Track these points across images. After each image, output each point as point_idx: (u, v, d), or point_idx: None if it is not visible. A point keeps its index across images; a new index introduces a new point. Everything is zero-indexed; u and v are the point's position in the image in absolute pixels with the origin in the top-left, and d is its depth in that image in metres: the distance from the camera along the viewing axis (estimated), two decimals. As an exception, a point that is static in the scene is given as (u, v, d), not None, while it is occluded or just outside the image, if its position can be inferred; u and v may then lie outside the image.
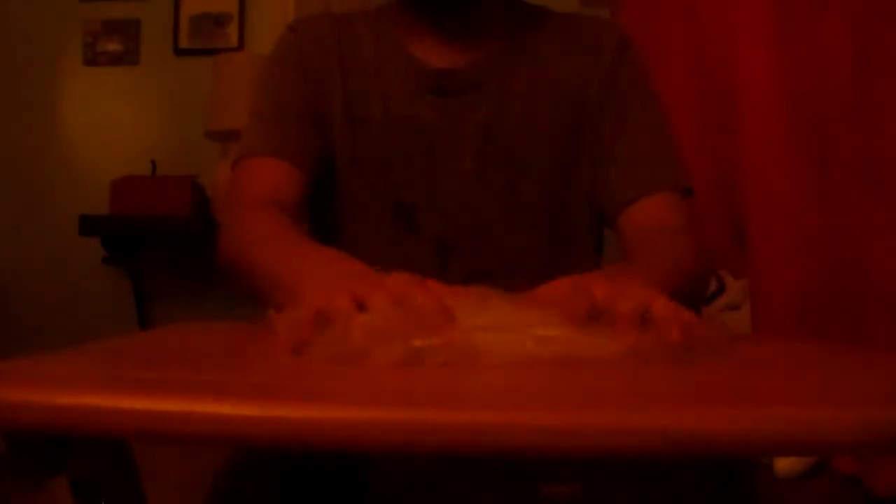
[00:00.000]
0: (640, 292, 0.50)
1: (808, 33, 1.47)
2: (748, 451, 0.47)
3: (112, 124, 2.77)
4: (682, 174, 0.84)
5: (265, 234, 0.72)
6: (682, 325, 0.47)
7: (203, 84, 2.51)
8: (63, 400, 0.32)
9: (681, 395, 0.37)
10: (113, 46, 2.79)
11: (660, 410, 0.32)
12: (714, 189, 1.71)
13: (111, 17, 2.78)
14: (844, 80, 1.41)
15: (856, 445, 0.32)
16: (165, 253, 2.65)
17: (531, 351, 0.43)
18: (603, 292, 0.49)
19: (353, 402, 0.33)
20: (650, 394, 0.37)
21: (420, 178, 0.84)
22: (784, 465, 1.44)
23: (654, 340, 0.45)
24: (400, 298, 0.46)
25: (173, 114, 2.74)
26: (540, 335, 0.44)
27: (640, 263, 0.73)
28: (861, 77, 1.40)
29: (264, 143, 0.82)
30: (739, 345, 0.46)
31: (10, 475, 0.39)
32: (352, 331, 0.44)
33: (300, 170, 0.82)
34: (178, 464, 1.26)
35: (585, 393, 0.37)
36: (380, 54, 0.86)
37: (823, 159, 1.45)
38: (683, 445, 0.30)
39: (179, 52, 2.76)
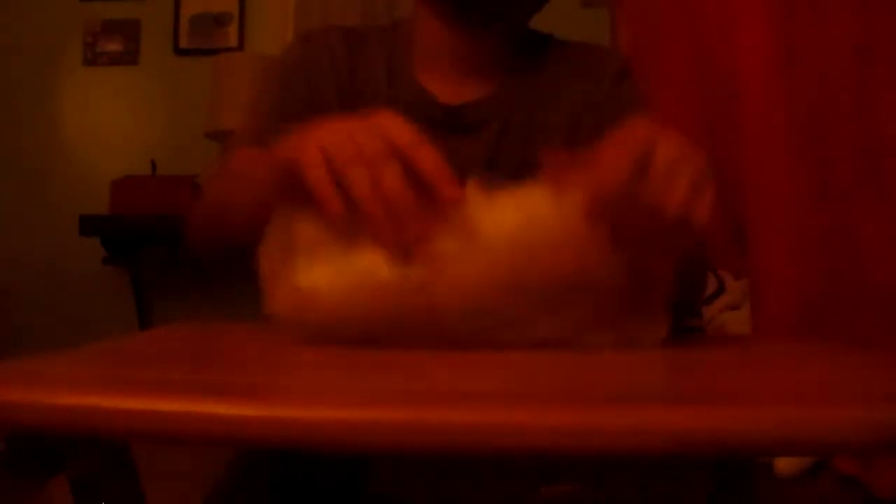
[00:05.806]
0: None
1: (808, 27, 1.47)
2: (748, 451, 0.47)
3: (112, 124, 2.77)
4: None
5: (242, 166, 0.70)
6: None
7: (203, 84, 2.51)
8: (63, 400, 0.32)
9: (681, 394, 0.37)
10: (113, 46, 2.79)
11: (660, 410, 0.32)
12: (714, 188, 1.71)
13: (111, 17, 2.78)
14: (845, 78, 1.41)
15: (856, 445, 0.32)
16: (165, 253, 2.65)
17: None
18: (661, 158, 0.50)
19: (353, 402, 0.33)
20: (650, 393, 0.37)
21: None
22: (784, 465, 1.44)
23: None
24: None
25: (173, 114, 2.74)
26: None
27: None
28: (862, 73, 1.39)
29: (259, 136, 0.78)
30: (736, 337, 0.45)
31: (10, 475, 0.39)
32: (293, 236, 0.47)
33: None
34: (179, 464, 1.26)
35: (585, 393, 0.37)
36: (391, 81, 0.85)
37: (823, 158, 1.45)
38: (683, 445, 0.30)
39: (179, 52, 2.76)
